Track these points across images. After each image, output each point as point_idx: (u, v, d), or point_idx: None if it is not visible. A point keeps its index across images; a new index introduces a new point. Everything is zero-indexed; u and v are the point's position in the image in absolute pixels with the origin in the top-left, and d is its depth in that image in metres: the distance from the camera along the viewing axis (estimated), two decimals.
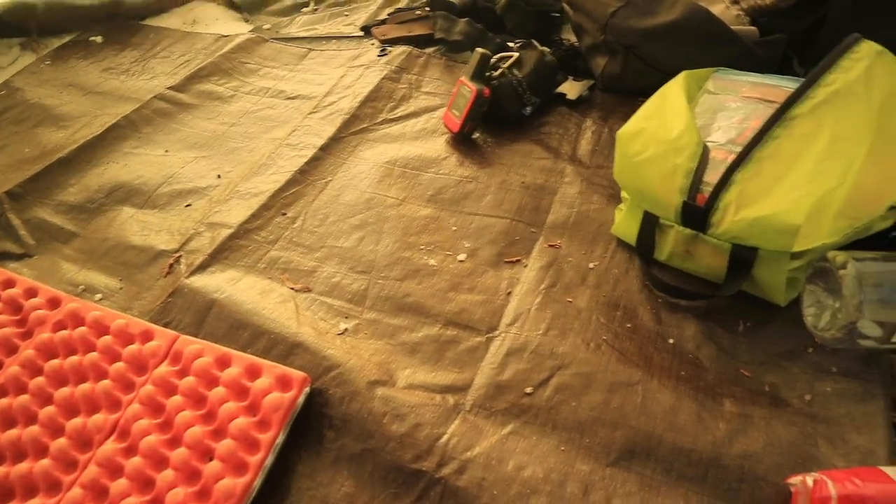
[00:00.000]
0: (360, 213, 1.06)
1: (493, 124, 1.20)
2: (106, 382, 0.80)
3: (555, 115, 1.22)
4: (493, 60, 1.21)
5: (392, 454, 0.73)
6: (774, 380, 0.78)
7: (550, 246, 0.96)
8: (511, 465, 0.71)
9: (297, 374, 0.78)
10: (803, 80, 0.84)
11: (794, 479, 0.65)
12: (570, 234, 0.98)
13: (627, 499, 0.68)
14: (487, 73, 1.18)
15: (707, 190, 0.82)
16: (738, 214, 0.78)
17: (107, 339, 0.85)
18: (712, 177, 0.82)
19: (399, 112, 1.30)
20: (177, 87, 1.45)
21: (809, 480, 0.62)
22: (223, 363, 0.81)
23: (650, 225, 0.89)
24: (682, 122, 0.87)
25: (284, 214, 1.08)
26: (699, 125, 0.89)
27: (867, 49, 0.85)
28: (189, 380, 0.80)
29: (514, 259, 0.95)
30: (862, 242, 0.82)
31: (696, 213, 0.82)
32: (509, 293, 0.90)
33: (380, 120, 1.28)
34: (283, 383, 0.78)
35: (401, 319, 0.89)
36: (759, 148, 0.80)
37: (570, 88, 1.24)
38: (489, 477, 0.70)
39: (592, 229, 0.98)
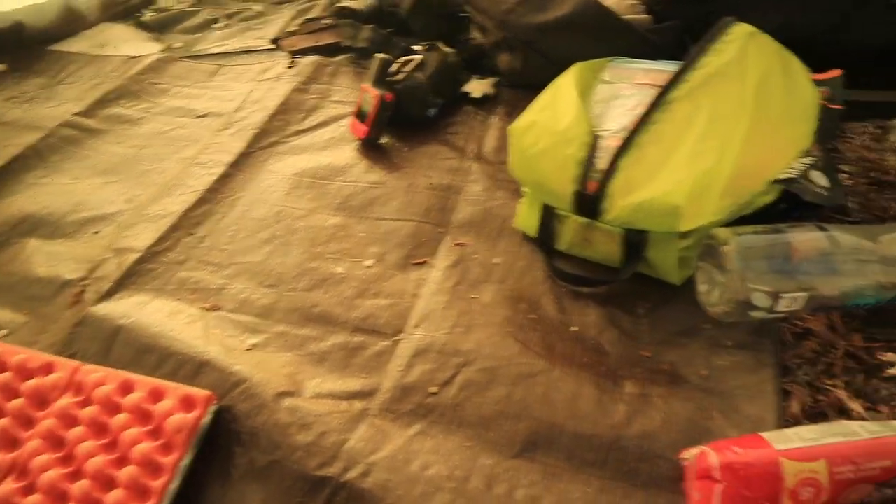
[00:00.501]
0: (270, 227, 1.06)
1: (399, 128, 1.21)
2: (3, 421, 0.79)
3: (461, 115, 1.24)
4: (396, 64, 1.22)
5: (298, 463, 0.73)
6: (674, 358, 0.80)
7: (457, 245, 0.98)
8: (416, 465, 0.72)
9: (201, 393, 0.78)
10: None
11: (686, 454, 0.67)
12: (476, 232, 0.99)
13: (531, 489, 0.70)
14: (390, 78, 1.19)
15: (598, 178, 0.84)
16: (625, 200, 0.81)
17: (6, 375, 0.83)
18: (604, 164, 0.84)
19: (308, 123, 1.30)
20: (84, 113, 1.43)
21: (695, 453, 0.64)
22: (126, 389, 0.80)
23: (548, 216, 0.91)
24: (571, 113, 0.89)
25: (193, 234, 1.08)
26: (595, 114, 0.91)
27: (740, 31, 0.88)
28: (91, 409, 0.79)
29: (421, 261, 0.96)
30: (753, 217, 0.85)
31: (588, 202, 0.84)
32: (416, 295, 0.91)
33: (289, 132, 1.28)
34: (187, 403, 0.78)
35: (309, 330, 0.89)
36: (641, 133, 0.82)
37: (475, 87, 1.26)
38: (394, 478, 0.70)
39: (497, 225, 1.00)
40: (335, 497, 0.71)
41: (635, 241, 0.83)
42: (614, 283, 0.87)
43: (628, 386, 0.77)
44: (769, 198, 0.86)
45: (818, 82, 1.05)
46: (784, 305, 0.76)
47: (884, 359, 0.76)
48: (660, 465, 0.70)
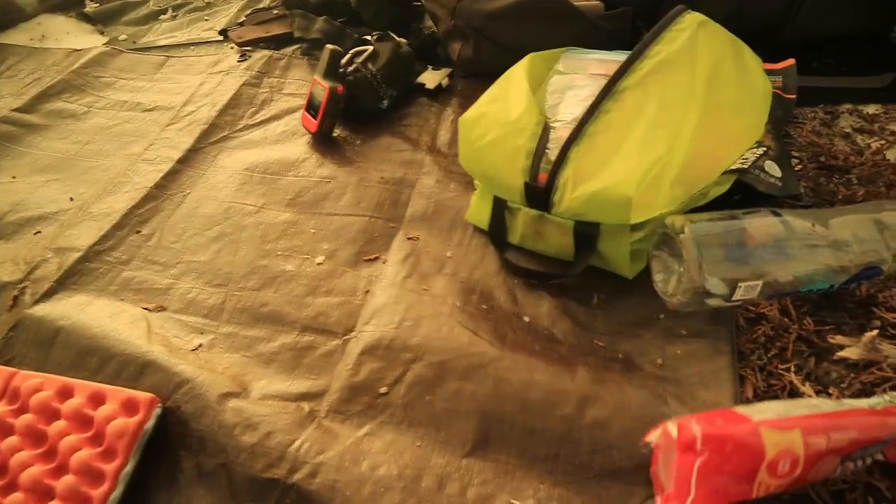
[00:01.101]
0: (218, 225, 1.05)
1: (352, 121, 1.20)
2: None
3: (415, 107, 1.23)
4: (348, 56, 1.21)
5: (244, 466, 0.72)
6: (628, 347, 0.80)
7: (409, 239, 0.97)
8: (365, 466, 0.71)
9: (144, 396, 0.76)
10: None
11: (652, 436, 0.65)
12: (428, 225, 0.99)
13: (483, 487, 0.69)
14: (342, 70, 1.18)
15: (548, 169, 0.83)
16: (575, 191, 0.81)
17: None
18: (555, 155, 0.84)
19: (260, 117, 1.29)
20: (24, 109, 1.39)
21: (672, 428, 0.62)
22: (65, 394, 0.79)
23: (500, 209, 0.91)
24: (522, 104, 0.88)
25: (139, 232, 1.06)
26: (549, 105, 0.91)
27: (691, 19, 0.89)
28: (26, 417, 0.76)
29: (373, 257, 0.96)
30: (706, 209, 0.85)
31: (539, 193, 0.84)
32: (367, 292, 0.91)
33: (240, 127, 1.27)
34: (129, 407, 0.76)
35: (257, 330, 0.88)
36: (592, 123, 0.82)
37: (429, 78, 1.25)
38: (342, 479, 0.70)
39: (450, 217, 1.00)
40: (284, 499, 0.70)
41: (587, 233, 0.83)
42: (566, 277, 0.87)
43: (581, 375, 0.77)
44: (722, 188, 0.86)
45: (771, 72, 1.06)
46: (740, 294, 0.77)
47: (833, 341, 0.77)
48: (613, 455, 0.70)
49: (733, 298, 0.77)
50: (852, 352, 0.75)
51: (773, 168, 0.94)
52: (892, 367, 0.74)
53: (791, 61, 1.09)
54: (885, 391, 0.72)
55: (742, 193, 0.89)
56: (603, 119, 0.82)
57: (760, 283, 0.77)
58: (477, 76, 1.25)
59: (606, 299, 0.86)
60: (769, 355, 0.78)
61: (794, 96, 1.07)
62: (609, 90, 0.84)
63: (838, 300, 0.83)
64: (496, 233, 0.92)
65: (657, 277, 0.84)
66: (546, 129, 0.86)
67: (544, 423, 0.73)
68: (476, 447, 0.73)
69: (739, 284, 0.76)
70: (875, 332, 0.74)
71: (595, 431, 0.72)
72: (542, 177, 0.83)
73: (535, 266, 0.89)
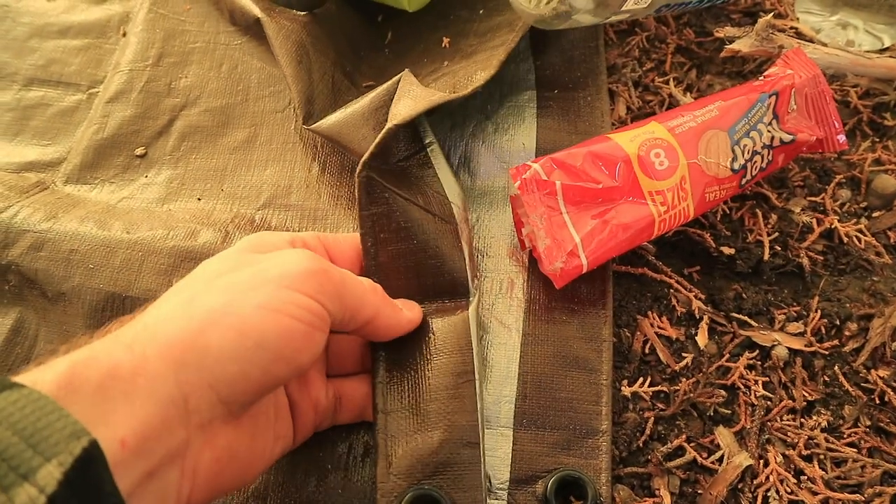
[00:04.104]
0: None
1: None
2: None
3: None
4: None
5: None
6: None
7: None
8: (118, 229, 0.56)
9: None
10: None
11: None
12: None
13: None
14: None
15: None
16: None
17: None
18: None
19: None
20: None
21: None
22: None
23: None
24: None
25: None
26: None
27: None
28: None
29: None
30: None
31: None
32: (124, 34, 0.73)
33: None
34: None
35: None
36: None
37: None
38: (82, 247, 0.54)
39: None
40: (3, 285, 0.55)
41: None
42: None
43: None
44: None
45: None
46: (630, 5, 0.64)
47: (721, 34, 0.68)
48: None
49: (623, 9, 0.65)
50: (743, 43, 0.66)
51: None
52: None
53: None
54: None
55: None
56: None
57: None
58: None
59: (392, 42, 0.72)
60: (644, 69, 0.69)
61: None
62: None
63: (721, 9, 0.75)
64: None
65: None
66: None
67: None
68: (276, 196, 0.60)
69: None
70: (770, 15, 0.66)
71: None
72: None
73: None
